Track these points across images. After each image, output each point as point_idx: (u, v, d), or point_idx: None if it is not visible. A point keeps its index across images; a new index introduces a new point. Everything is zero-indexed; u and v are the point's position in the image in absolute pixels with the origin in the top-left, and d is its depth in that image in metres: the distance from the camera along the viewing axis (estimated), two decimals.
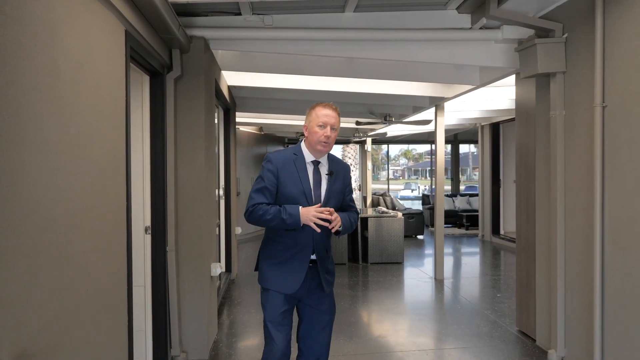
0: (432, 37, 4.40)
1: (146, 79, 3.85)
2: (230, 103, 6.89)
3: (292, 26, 4.30)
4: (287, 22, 4.31)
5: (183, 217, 4.14)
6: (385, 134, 11.82)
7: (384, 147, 21.58)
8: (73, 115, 2.18)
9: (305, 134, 2.70)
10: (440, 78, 5.71)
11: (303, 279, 2.66)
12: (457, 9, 4.28)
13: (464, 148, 17.29)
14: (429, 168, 46.42)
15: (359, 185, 16.00)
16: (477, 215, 12.56)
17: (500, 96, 7.33)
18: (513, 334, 4.84)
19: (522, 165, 4.81)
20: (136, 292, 3.78)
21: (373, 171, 14.73)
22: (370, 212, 9.62)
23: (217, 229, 6.50)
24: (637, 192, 3.20)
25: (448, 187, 16.05)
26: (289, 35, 4.28)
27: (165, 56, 3.88)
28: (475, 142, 17.63)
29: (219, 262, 6.68)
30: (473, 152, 40.27)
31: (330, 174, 2.70)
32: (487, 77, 5.40)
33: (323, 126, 2.60)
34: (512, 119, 10.04)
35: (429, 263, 8.92)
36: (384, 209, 10.39)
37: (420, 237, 11.97)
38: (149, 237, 3.87)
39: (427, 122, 8.57)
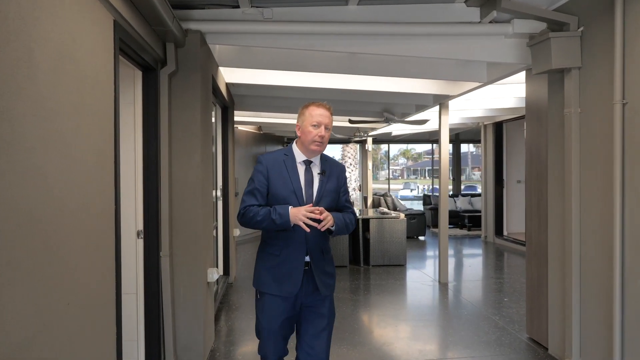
0: (438, 31, 4.20)
1: (138, 74, 3.64)
2: (228, 101, 6.68)
3: (292, 19, 4.09)
4: (287, 15, 4.10)
5: (178, 220, 3.93)
6: (389, 133, 11.62)
7: (383, 146, 21.40)
8: (54, 111, 1.97)
9: (298, 133, 2.65)
10: (445, 75, 5.51)
11: (300, 282, 2.59)
12: (465, 2, 4.08)
13: (462, 148, 17.10)
14: (428, 168, 46.36)
15: (359, 185, 15.79)
16: (479, 216, 12.38)
17: (505, 94, 7.11)
18: (523, 341, 4.64)
19: (533, 166, 4.61)
20: (128, 300, 3.58)
21: (372, 171, 14.52)
22: (371, 213, 9.42)
23: (215, 231, 6.29)
24: None
25: (449, 187, 15.84)
26: (289, 29, 4.07)
27: (159, 50, 3.67)
28: (476, 141, 17.47)
29: (216, 266, 6.48)
30: (472, 152, 40.13)
31: (322, 173, 2.66)
32: (495, 73, 5.19)
33: (317, 126, 2.57)
34: (516, 118, 9.86)
35: (432, 265, 8.72)
36: (385, 209, 10.20)
37: (421, 238, 11.77)
38: (141, 242, 3.66)
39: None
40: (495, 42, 4.41)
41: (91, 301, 2.34)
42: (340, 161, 17.30)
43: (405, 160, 54.73)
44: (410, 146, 48.06)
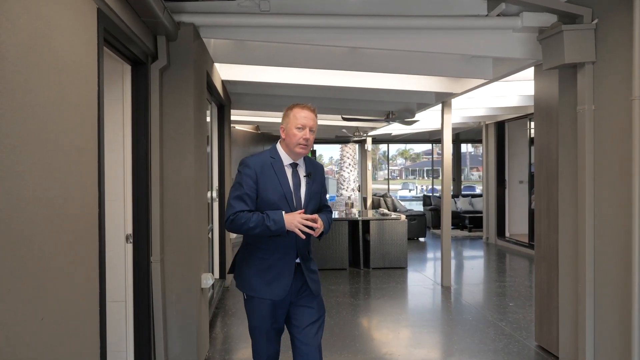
0: (443, 25, 4.00)
1: (127, 68, 3.43)
2: (225, 99, 6.48)
3: (290, 12, 3.89)
4: (285, 7, 3.90)
5: (170, 224, 3.72)
6: (389, 133, 11.42)
7: (381, 147, 21.22)
8: (26, 105, 1.77)
9: (282, 135, 2.63)
10: (449, 71, 5.31)
11: (290, 284, 2.59)
12: None
13: (461, 148, 16.87)
14: (427, 168, 46.19)
15: (359, 186, 15.59)
16: (480, 217, 12.19)
17: (509, 92, 6.91)
18: (532, 349, 4.44)
19: (542, 166, 4.41)
20: (116, 308, 3.38)
21: (372, 171, 14.36)
22: (370, 214, 9.22)
23: (210, 233, 6.09)
24: None
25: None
26: (287, 22, 3.87)
27: (149, 43, 3.46)
28: (476, 141, 17.29)
29: (212, 270, 6.27)
30: (470, 152, 39.99)
31: (308, 175, 2.66)
32: (501, 70, 4.99)
33: (302, 128, 2.55)
34: (519, 117, 9.67)
35: (433, 268, 8.53)
36: (386, 210, 10.01)
37: (422, 239, 11.57)
38: (130, 247, 3.45)
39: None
40: (502, 36, 4.21)
41: (71, 314, 2.13)
42: (339, 161, 17.10)
43: (404, 160, 54.58)
44: (408, 146, 47.93)
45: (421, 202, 16.52)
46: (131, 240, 3.45)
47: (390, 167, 21.55)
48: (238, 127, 11.41)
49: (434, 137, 15.32)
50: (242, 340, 4.74)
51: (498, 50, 4.26)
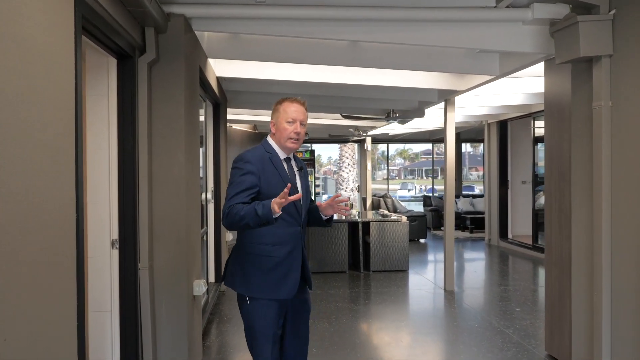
0: (449, 17, 3.78)
1: (113, 62, 3.21)
2: (220, 97, 6.25)
3: (288, 3, 3.66)
4: None
5: (159, 228, 3.50)
6: (388, 133, 11.19)
7: (380, 146, 20.99)
8: None
9: (273, 130, 2.59)
10: (453, 67, 5.08)
11: (298, 282, 2.53)
12: None
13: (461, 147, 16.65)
14: (425, 168, 45.92)
15: (358, 186, 15.36)
16: (481, 218, 11.98)
17: (513, 89, 6.68)
18: (542, 359, 4.22)
19: (553, 167, 4.19)
20: (100, 319, 3.16)
21: (371, 171, 14.14)
22: (370, 215, 9.00)
23: (205, 236, 5.86)
24: None
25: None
26: (285, 13, 3.64)
27: (137, 35, 3.24)
28: (476, 141, 17.07)
29: (207, 274, 6.03)
30: (469, 152, 39.78)
31: (300, 169, 2.66)
32: (509, 65, 4.76)
33: (292, 122, 2.51)
34: (522, 116, 9.46)
35: (435, 271, 8.31)
36: (386, 211, 9.79)
37: (422, 241, 11.35)
38: (116, 252, 3.23)
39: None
40: (511, 29, 3.99)
41: (42, 332, 1.90)
42: (338, 161, 16.86)
43: (403, 160, 54.37)
44: (407, 146, 47.74)
45: (420, 202, 16.30)
46: (117, 246, 3.22)
47: (390, 167, 21.30)
48: (235, 126, 11.18)
49: (434, 137, 15.10)
50: (239, 350, 4.52)
51: (507, 44, 4.04)
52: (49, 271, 1.98)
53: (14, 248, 1.71)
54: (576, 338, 3.84)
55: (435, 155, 21.24)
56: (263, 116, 9.64)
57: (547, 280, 4.28)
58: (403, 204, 13.61)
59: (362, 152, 14.73)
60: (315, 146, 14.61)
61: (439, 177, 24.85)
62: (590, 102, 3.56)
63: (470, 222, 12.61)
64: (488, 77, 5.24)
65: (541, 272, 7.99)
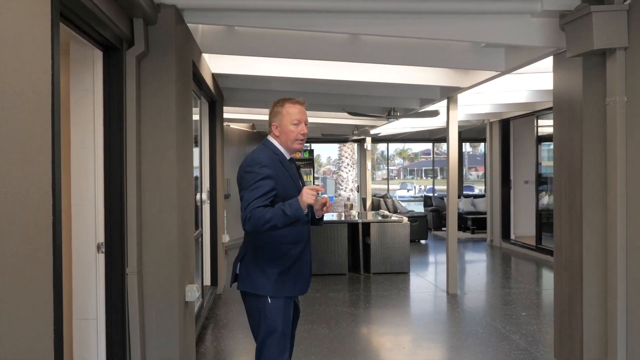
0: (454, 8, 3.61)
1: (98, 54, 3.02)
2: (216, 95, 6.06)
3: None
4: None
5: (148, 230, 3.30)
6: (379, 133, 10.98)
7: (379, 146, 20.82)
8: None
9: (276, 132, 2.62)
10: (457, 62, 4.89)
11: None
12: None
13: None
14: (425, 168, 45.76)
15: (358, 186, 15.18)
16: (483, 218, 11.81)
17: (517, 87, 6.49)
18: None
19: (563, 166, 4.01)
20: (86, 327, 2.98)
21: (371, 171, 13.99)
22: (370, 216, 8.81)
23: (200, 238, 5.68)
24: None
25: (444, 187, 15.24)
26: (282, 4, 3.46)
27: (124, 27, 3.05)
28: (477, 140, 16.89)
29: (201, 278, 5.84)
30: (469, 152, 39.65)
31: (298, 168, 2.73)
32: (515, 60, 4.58)
33: (298, 124, 2.57)
34: (525, 115, 9.28)
35: (437, 273, 8.13)
36: (386, 212, 9.62)
37: (423, 241, 11.17)
38: (102, 257, 3.04)
39: (435, 113, 7.72)
40: (519, 21, 3.81)
41: (13, 348, 1.72)
42: (338, 161, 16.68)
43: (402, 160, 54.19)
44: (407, 146, 47.61)
45: (420, 203, 16.13)
46: (103, 250, 3.04)
47: (389, 167, 21.14)
48: (232, 125, 10.99)
49: (434, 136, 14.93)
50: (236, 355, 4.33)
51: (514, 37, 3.86)
52: (20, 280, 1.79)
53: None
54: (588, 345, 3.66)
55: (435, 155, 21.08)
56: (261, 115, 9.44)
57: (557, 283, 4.10)
58: (403, 204, 13.44)
59: (362, 152, 14.55)
60: (314, 146, 14.43)
61: (439, 177, 24.69)
62: (603, 98, 3.38)
63: (472, 223, 12.43)
64: (493, 73, 5.05)
65: (545, 274, 7.82)
